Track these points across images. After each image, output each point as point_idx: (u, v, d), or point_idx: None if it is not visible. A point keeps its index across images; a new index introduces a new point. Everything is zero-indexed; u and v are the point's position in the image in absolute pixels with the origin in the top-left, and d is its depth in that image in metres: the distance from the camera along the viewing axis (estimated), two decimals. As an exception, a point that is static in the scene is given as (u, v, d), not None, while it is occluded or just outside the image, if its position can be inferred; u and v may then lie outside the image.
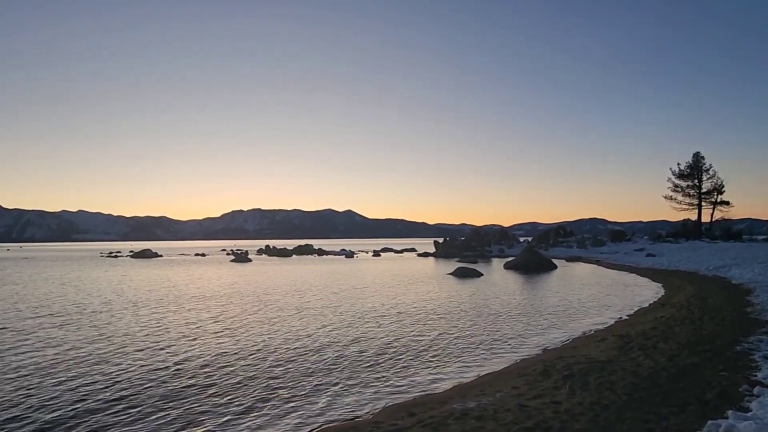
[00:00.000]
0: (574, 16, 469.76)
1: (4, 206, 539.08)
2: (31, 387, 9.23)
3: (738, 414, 6.26)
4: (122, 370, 10.42)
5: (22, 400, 8.51)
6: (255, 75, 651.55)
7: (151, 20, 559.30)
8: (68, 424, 7.45)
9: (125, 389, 9.09)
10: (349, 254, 76.75)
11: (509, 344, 13.09)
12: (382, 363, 11.13)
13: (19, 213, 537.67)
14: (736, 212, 74.94)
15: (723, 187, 71.29)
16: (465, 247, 67.89)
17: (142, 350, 12.23)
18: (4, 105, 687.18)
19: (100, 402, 8.41)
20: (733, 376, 8.18)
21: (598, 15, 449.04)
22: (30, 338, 13.71)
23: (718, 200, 71.95)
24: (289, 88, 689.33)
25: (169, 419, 7.66)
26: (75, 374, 10.08)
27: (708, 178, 71.86)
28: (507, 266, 43.79)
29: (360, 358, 11.52)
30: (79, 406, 8.23)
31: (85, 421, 7.57)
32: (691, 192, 72.82)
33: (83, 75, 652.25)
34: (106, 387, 9.23)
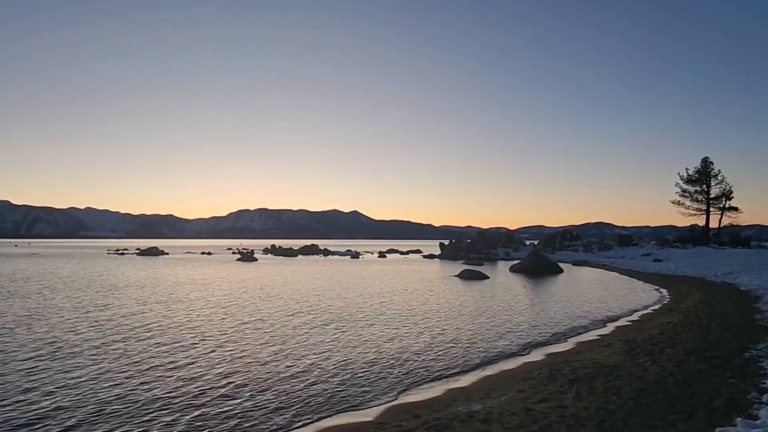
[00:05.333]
0: (581, 19, 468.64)
1: (14, 202, 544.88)
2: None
3: (746, 422, 6.19)
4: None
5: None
6: (263, 76, 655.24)
7: (159, 23, 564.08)
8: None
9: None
10: (355, 255, 76.73)
11: (514, 347, 13.04)
12: (386, 364, 11.11)
13: (27, 209, 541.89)
14: (744, 218, 73.94)
15: (731, 192, 70.64)
16: (471, 249, 67.76)
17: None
18: (15, 103, 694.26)
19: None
20: (741, 384, 8.10)
21: (606, 19, 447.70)
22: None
23: (727, 206, 71.28)
24: (297, 89, 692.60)
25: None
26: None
27: (716, 184, 71.24)
28: (513, 269, 43.66)
29: (364, 359, 11.51)
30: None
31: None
32: (699, 197, 72.18)
33: (93, 75, 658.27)
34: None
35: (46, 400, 8.32)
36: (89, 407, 8.01)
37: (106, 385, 9.17)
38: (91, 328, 14.63)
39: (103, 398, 8.43)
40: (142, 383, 9.32)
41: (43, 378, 9.54)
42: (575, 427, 6.55)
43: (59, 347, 12.14)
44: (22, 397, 8.42)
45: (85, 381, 9.40)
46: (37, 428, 7.18)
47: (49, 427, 7.24)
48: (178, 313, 17.83)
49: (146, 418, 7.60)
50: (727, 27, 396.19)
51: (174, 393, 8.81)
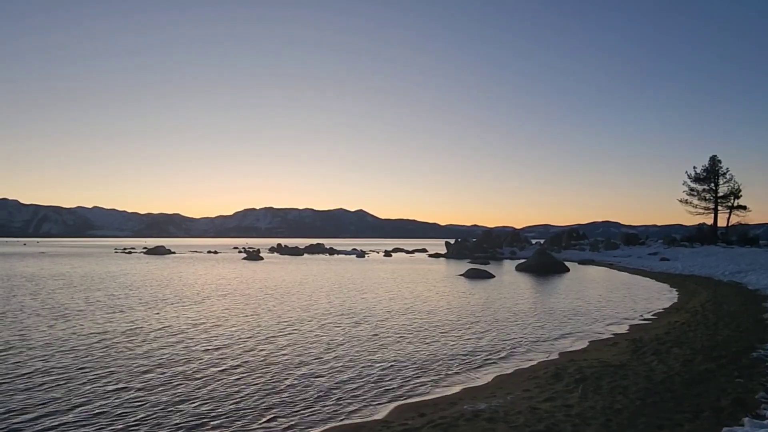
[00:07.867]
0: (585, 17, 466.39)
1: (22, 202, 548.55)
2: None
3: (754, 422, 6.16)
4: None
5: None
6: (268, 75, 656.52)
7: (161, 22, 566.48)
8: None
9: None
10: (360, 254, 76.82)
11: (520, 346, 13.02)
12: (392, 362, 11.13)
13: (35, 208, 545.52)
14: (753, 217, 73.45)
15: (740, 191, 70.13)
16: (476, 248, 67.62)
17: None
18: (22, 103, 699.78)
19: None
20: (748, 383, 8.06)
21: (612, 17, 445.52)
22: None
23: (735, 204, 70.77)
24: (303, 88, 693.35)
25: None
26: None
27: (725, 182, 70.74)
28: (519, 268, 43.57)
29: (370, 358, 11.54)
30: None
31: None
32: (707, 196, 71.67)
33: (99, 74, 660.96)
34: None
35: (118, 398, 8.46)
36: (147, 407, 8.10)
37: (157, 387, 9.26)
38: (125, 330, 14.72)
39: (159, 400, 8.48)
40: (200, 385, 9.39)
41: (97, 380, 9.57)
42: (581, 426, 6.54)
43: (102, 348, 12.14)
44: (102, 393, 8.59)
45: (132, 380, 9.52)
46: (120, 427, 7.27)
47: (117, 425, 7.36)
48: (206, 316, 17.93)
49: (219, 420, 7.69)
50: (735, 25, 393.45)
51: (232, 394, 8.90)
